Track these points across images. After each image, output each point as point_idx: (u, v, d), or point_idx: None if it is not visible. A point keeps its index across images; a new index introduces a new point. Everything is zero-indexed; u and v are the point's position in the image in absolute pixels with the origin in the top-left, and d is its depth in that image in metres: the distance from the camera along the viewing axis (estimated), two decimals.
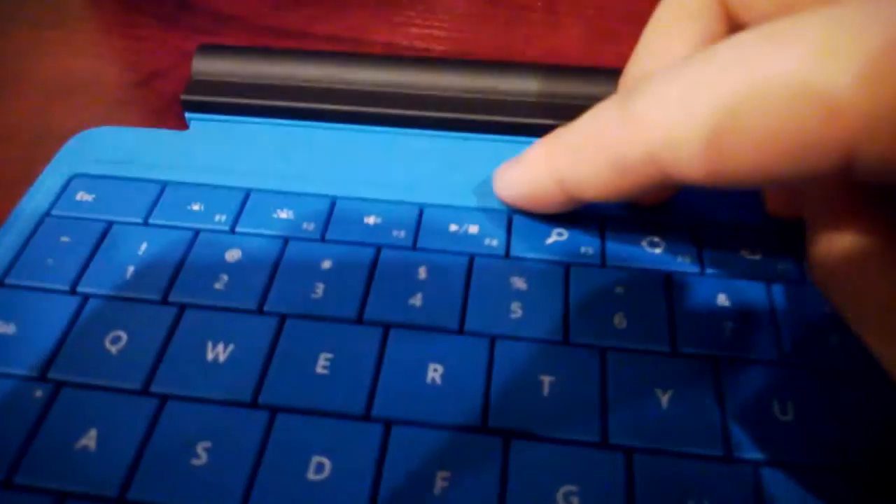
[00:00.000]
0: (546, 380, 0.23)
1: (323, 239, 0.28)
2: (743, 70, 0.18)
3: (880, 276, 0.20)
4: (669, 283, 0.26)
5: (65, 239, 0.28)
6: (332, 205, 0.29)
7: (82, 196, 0.29)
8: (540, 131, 0.27)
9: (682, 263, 0.27)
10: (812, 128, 0.17)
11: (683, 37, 0.25)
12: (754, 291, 0.26)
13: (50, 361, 0.24)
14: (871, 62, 0.16)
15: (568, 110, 0.30)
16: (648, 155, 0.20)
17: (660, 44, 0.25)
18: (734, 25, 0.24)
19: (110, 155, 0.31)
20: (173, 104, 0.36)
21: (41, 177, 0.30)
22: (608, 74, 0.32)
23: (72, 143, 0.32)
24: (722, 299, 0.26)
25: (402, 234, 0.28)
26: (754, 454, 0.22)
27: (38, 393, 0.24)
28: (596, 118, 0.23)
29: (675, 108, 0.20)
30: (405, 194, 0.29)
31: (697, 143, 0.19)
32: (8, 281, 0.27)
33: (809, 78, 0.16)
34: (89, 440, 0.22)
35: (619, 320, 0.25)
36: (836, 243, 0.21)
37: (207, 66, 0.34)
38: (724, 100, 0.18)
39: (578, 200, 0.24)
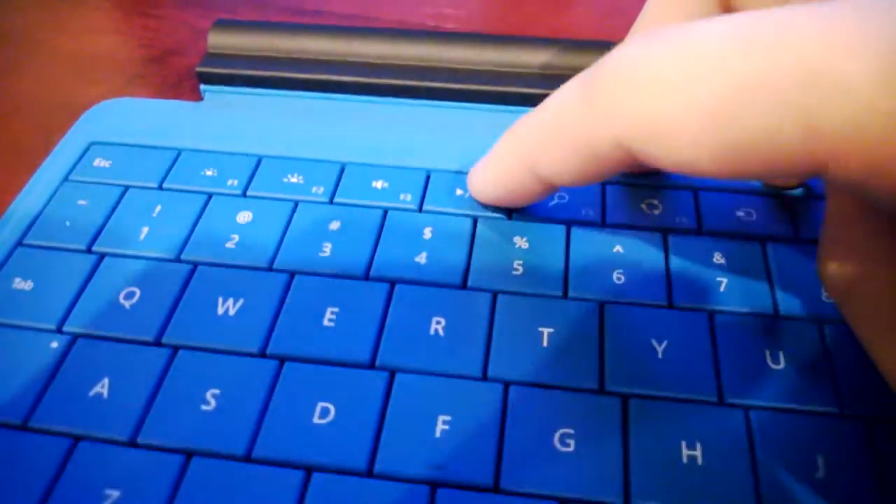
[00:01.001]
0: (545, 331, 0.24)
1: (332, 201, 0.29)
2: (733, 60, 0.16)
3: (889, 298, 0.20)
4: (666, 242, 0.27)
5: (82, 202, 0.29)
6: (342, 170, 0.30)
7: (100, 162, 0.30)
8: None
9: (680, 223, 0.27)
10: (791, 143, 0.15)
11: (681, 11, 0.24)
12: (749, 250, 0.26)
13: (66, 315, 0.25)
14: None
15: None
16: (617, 144, 0.19)
17: (656, 19, 0.25)
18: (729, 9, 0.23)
19: (127, 124, 0.32)
20: (188, 79, 0.37)
21: (60, 144, 0.31)
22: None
23: (90, 113, 0.33)
24: (717, 257, 0.26)
25: (409, 197, 0.28)
26: (746, 400, 0.23)
27: (54, 344, 0.24)
28: (560, 101, 0.21)
29: (649, 93, 0.17)
30: (412, 161, 0.30)
31: (669, 137, 0.17)
32: (27, 241, 0.28)
33: (808, 87, 0.15)
34: (102, 388, 0.23)
35: (618, 276, 0.26)
36: (847, 264, 0.21)
37: (223, 40, 0.35)
38: (712, 91, 0.16)
39: (557, 186, 0.24)
